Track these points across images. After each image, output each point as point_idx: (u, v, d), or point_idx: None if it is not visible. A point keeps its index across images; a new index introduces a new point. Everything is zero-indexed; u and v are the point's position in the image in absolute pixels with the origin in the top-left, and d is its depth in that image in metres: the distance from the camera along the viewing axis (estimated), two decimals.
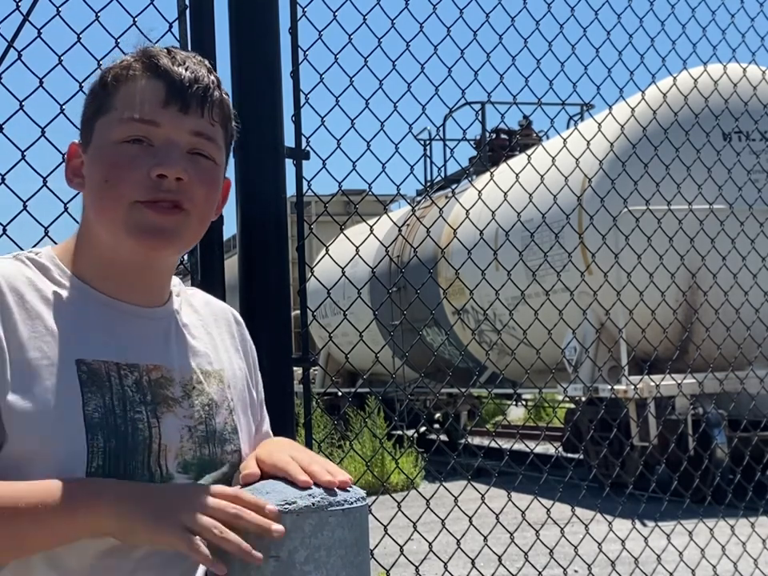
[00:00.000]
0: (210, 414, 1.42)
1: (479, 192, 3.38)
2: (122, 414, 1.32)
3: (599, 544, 3.56)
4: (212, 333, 1.52)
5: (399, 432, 12.79)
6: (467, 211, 3.52)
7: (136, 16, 2.37)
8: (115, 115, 1.36)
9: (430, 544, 3.17)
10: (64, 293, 1.37)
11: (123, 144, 1.34)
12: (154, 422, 1.35)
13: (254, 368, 1.60)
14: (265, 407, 1.62)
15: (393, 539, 3.06)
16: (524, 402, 13.75)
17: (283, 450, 1.36)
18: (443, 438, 14.75)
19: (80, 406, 1.30)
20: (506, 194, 3.56)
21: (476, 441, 15.27)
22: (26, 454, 1.27)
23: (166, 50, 1.40)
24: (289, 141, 2.47)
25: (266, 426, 1.62)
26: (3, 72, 2.23)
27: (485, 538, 3.32)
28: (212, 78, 1.40)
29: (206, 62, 1.43)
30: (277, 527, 1.21)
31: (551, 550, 3.42)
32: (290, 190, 2.49)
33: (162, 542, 1.22)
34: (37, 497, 1.22)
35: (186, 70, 1.37)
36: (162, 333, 1.43)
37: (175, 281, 1.52)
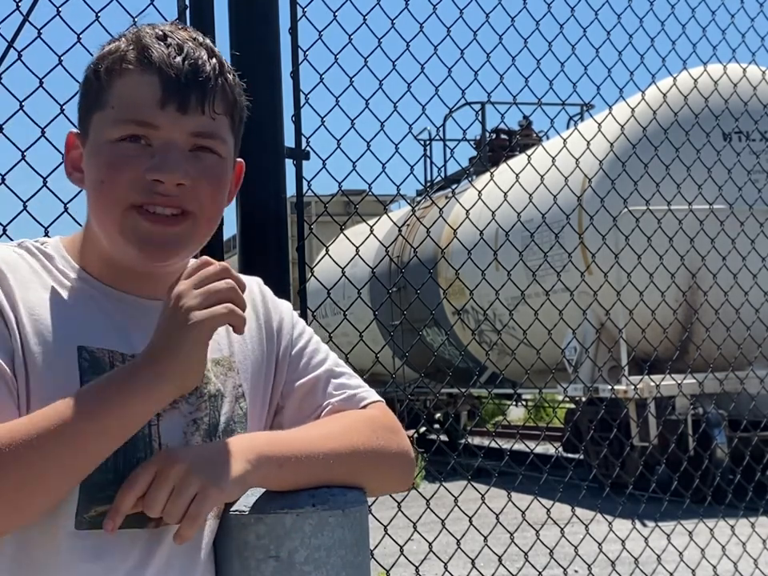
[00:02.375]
0: (215, 404, 1.36)
1: (479, 192, 3.38)
2: None
3: (599, 544, 3.55)
4: None
5: None
6: (467, 211, 3.52)
7: (136, 16, 2.37)
8: (111, 114, 1.29)
9: (429, 544, 3.17)
10: (68, 282, 1.33)
11: (120, 143, 1.28)
12: (153, 419, 1.28)
13: (282, 337, 1.48)
14: (319, 360, 1.50)
15: (393, 539, 3.06)
16: (524, 402, 13.75)
17: None
18: (443, 438, 14.75)
19: None
20: (506, 194, 3.56)
21: (476, 441, 15.27)
22: None
23: (161, 33, 1.31)
24: (289, 141, 2.47)
25: (322, 376, 1.47)
26: (3, 72, 2.23)
27: (485, 538, 3.32)
28: (213, 62, 1.31)
29: (207, 42, 1.33)
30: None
31: (551, 550, 3.42)
32: (290, 190, 2.49)
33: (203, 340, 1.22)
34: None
35: (185, 60, 1.28)
36: None
37: (190, 260, 1.44)
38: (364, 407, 1.46)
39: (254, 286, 1.51)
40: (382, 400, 1.49)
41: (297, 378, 1.46)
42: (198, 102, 1.29)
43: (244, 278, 1.47)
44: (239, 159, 1.44)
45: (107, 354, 1.29)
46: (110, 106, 1.29)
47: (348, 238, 2.90)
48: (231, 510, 1.27)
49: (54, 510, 1.22)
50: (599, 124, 3.91)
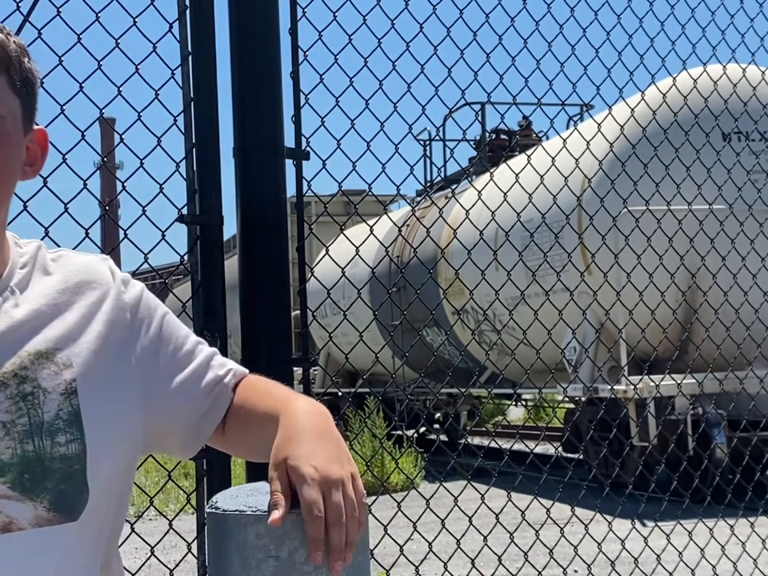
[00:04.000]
0: (33, 403, 1.24)
1: (479, 192, 3.38)
2: None
3: (599, 544, 3.56)
4: (58, 305, 1.32)
5: (399, 432, 12.79)
6: (467, 211, 3.52)
7: (136, 16, 2.38)
8: None
9: (429, 544, 3.17)
10: None
11: None
12: None
13: (147, 329, 1.39)
14: (200, 353, 1.44)
15: (393, 539, 3.06)
16: (524, 402, 13.75)
17: (301, 452, 1.25)
18: (443, 438, 14.75)
19: None
20: (505, 194, 3.56)
21: (476, 441, 15.28)
22: None
23: None
24: (289, 141, 2.48)
25: (214, 373, 1.43)
26: None
27: (485, 538, 3.32)
28: None
29: None
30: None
31: (551, 550, 3.42)
32: (290, 190, 2.50)
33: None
34: None
35: None
36: None
37: (29, 249, 1.37)
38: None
39: (104, 266, 1.41)
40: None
41: (181, 368, 1.41)
42: None
43: (91, 256, 1.42)
44: (39, 127, 1.37)
45: None
46: None
47: (348, 238, 2.90)
48: (231, 510, 1.27)
49: None
50: (599, 124, 3.91)
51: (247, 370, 1.51)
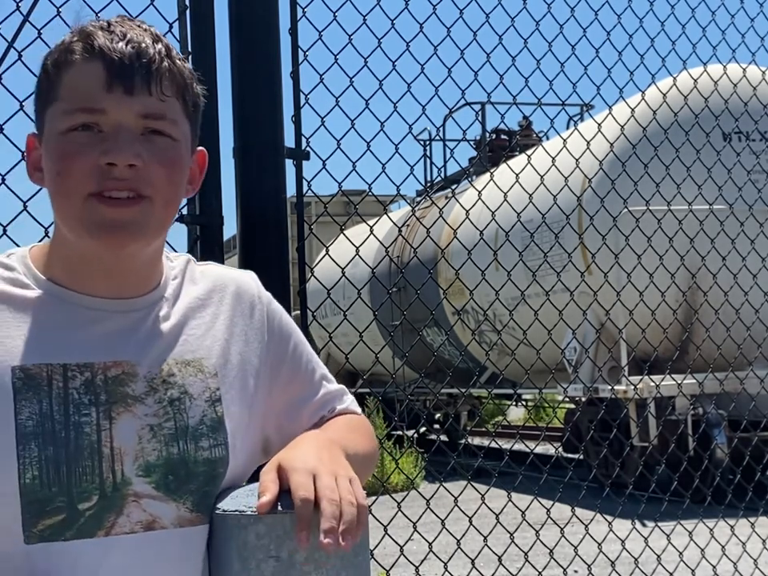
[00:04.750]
0: (180, 408, 1.32)
1: (479, 192, 3.38)
2: (62, 419, 1.25)
3: (599, 544, 3.56)
4: (205, 315, 1.40)
5: (399, 432, 12.79)
6: (467, 212, 3.52)
7: (136, 16, 2.37)
8: (61, 106, 1.28)
9: (429, 544, 3.17)
10: (24, 295, 1.31)
11: (71, 133, 1.27)
12: (105, 423, 1.26)
13: (277, 345, 1.46)
14: (320, 379, 1.52)
15: (393, 539, 3.06)
16: (524, 402, 13.75)
17: (308, 458, 1.27)
18: (443, 438, 14.75)
19: (12, 416, 1.23)
20: (505, 194, 3.56)
21: (476, 441, 15.28)
22: None
23: (106, 23, 1.30)
24: (289, 141, 2.48)
25: (327, 402, 1.51)
26: (3, 72, 2.23)
27: (485, 538, 3.32)
28: (159, 47, 1.30)
29: (153, 30, 1.32)
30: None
31: (551, 550, 3.42)
32: (290, 190, 2.49)
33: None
34: None
35: (128, 44, 1.27)
36: (132, 326, 1.33)
37: (179, 262, 1.44)
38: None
39: (252, 283, 1.49)
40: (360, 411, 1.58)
41: (293, 388, 1.48)
42: (144, 82, 1.28)
43: (239, 272, 1.50)
44: (201, 148, 1.43)
45: (45, 368, 1.27)
46: (60, 99, 1.29)
47: (348, 238, 2.90)
48: (231, 510, 1.27)
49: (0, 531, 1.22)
50: (599, 124, 3.91)
51: (357, 407, 1.57)
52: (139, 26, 1.32)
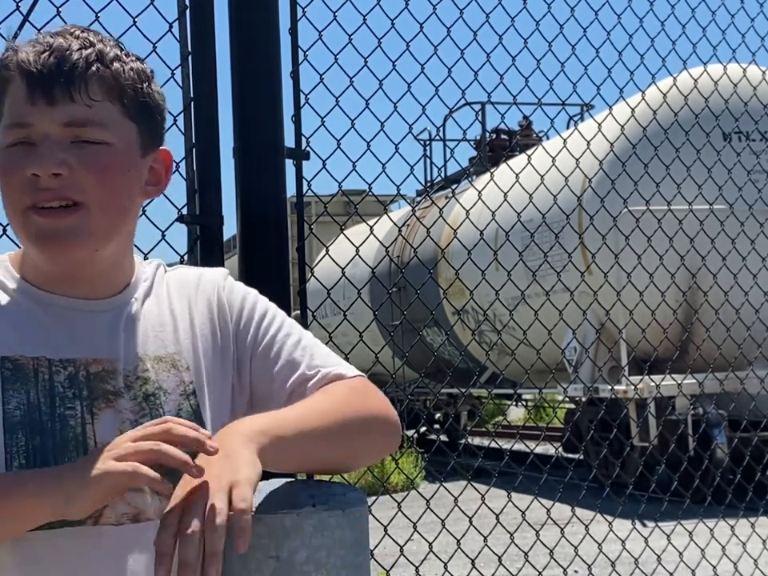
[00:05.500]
0: (155, 403, 1.35)
1: (479, 192, 3.38)
2: (49, 411, 1.28)
3: (599, 544, 3.55)
4: (175, 312, 1.44)
5: None
6: (467, 211, 3.52)
7: (136, 16, 2.37)
8: (4, 122, 1.32)
9: (430, 544, 3.17)
10: (4, 295, 1.35)
11: (11, 148, 1.30)
12: (88, 417, 1.30)
13: (241, 327, 1.45)
14: (291, 350, 1.46)
15: (393, 539, 3.06)
16: (524, 402, 13.75)
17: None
18: (443, 438, 14.75)
19: None
20: (506, 194, 3.56)
21: (476, 441, 15.27)
22: None
23: (36, 38, 1.32)
24: (289, 141, 2.47)
25: (296, 368, 1.44)
26: None
27: (485, 538, 3.32)
28: (87, 52, 1.30)
29: (89, 35, 1.32)
30: (211, 444, 1.15)
31: (551, 551, 3.42)
32: (290, 190, 2.49)
33: (100, 495, 1.15)
34: None
35: (51, 55, 1.28)
36: (108, 324, 1.37)
37: (151, 265, 1.47)
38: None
39: (216, 274, 1.51)
40: (363, 375, 1.51)
41: (272, 366, 1.44)
42: (65, 90, 1.28)
43: (207, 269, 1.52)
44: (163, 147, 1.42)
45: (31, 360, 1.30)
46: (3, 115, 1.33)
47: (348, 238, 2.90)
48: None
49: None
50: (599, 124, 3.91)
51: (350, 371, 1.49)
52: (71, 35, 1.31)
